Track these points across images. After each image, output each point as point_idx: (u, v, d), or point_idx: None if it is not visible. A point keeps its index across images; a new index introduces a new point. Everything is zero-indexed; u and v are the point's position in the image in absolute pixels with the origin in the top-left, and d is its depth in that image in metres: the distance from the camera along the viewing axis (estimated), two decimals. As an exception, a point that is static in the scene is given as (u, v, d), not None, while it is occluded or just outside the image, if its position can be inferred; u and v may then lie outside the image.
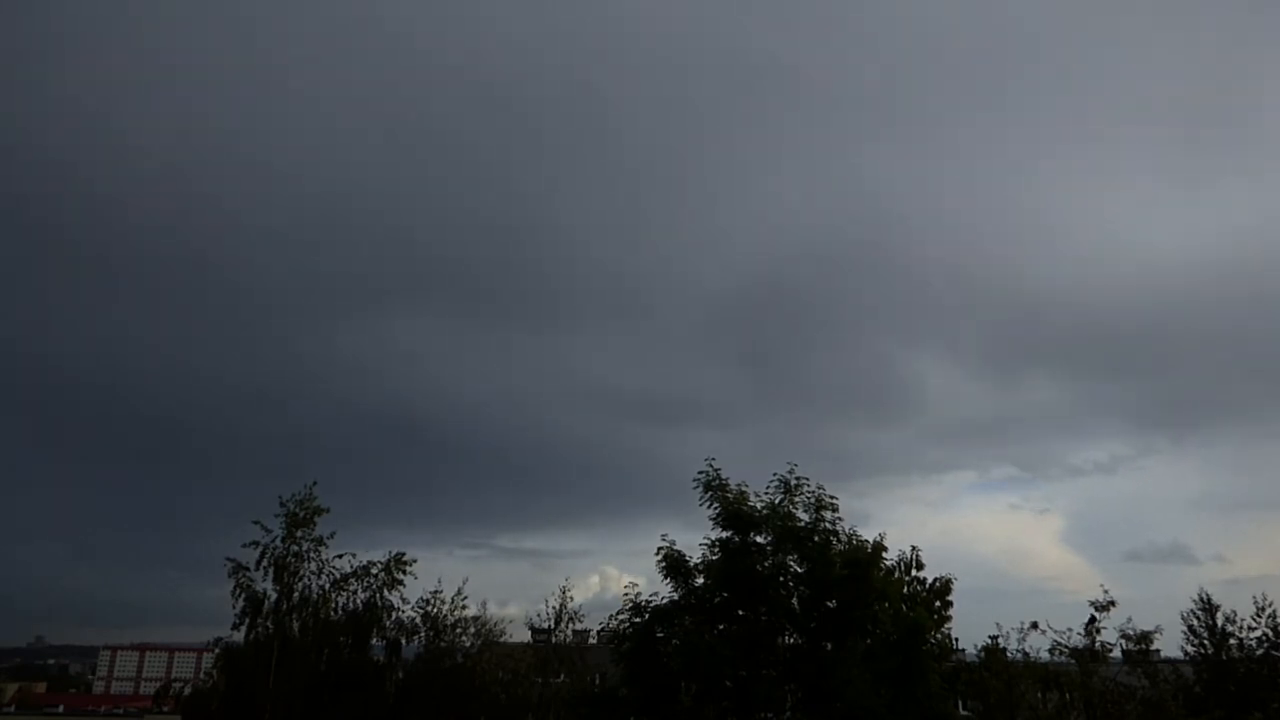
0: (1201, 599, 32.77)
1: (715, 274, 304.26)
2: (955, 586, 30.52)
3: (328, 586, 30.47)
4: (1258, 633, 31.02)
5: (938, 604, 29.86)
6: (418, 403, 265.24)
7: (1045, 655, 28.39)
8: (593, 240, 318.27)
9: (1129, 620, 28.57)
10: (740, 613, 23.67)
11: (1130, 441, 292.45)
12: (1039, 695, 27.86)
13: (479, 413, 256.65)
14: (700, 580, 24.12)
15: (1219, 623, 32.06)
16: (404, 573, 31.29)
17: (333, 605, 30.60)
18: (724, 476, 24.69)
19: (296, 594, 30.01)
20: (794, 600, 23.57)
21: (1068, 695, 27.50)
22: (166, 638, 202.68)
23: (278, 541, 29.95)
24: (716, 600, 23.77)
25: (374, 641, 31.54)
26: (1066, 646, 27.88)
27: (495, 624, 34.18)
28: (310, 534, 30.41)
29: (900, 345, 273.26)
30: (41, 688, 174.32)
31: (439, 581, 33.03)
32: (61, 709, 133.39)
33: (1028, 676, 27.52)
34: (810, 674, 22.38)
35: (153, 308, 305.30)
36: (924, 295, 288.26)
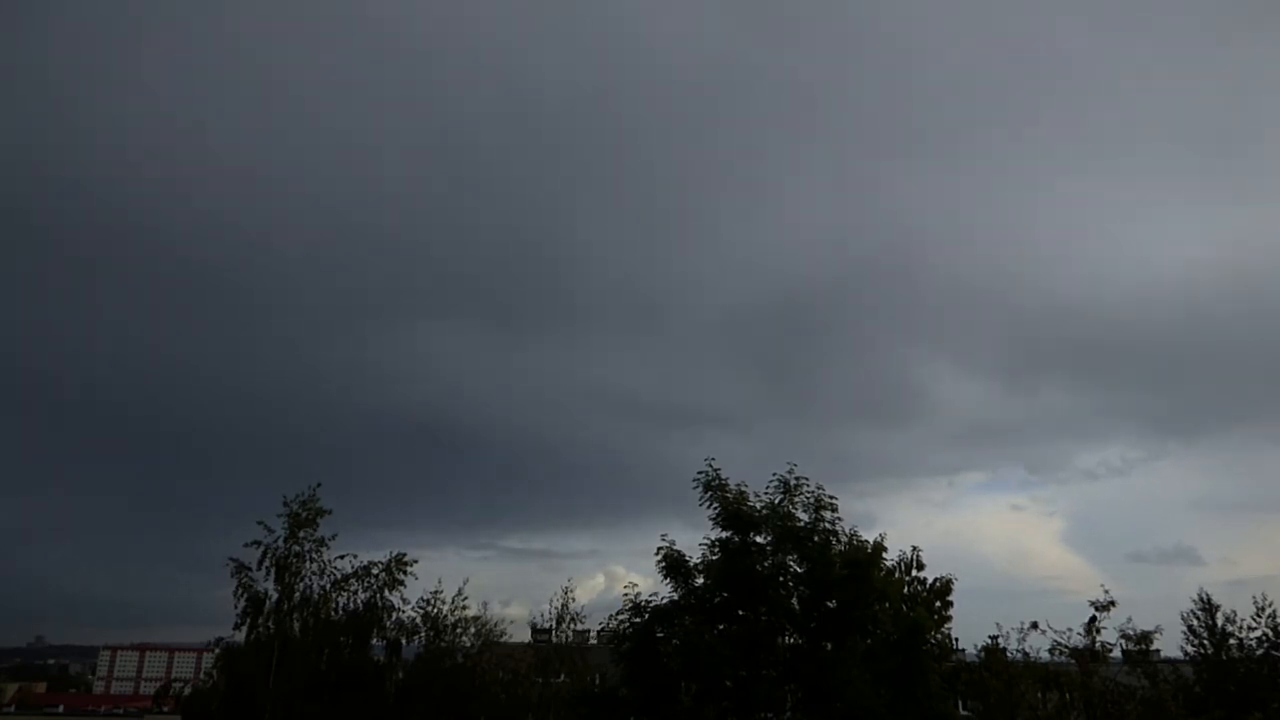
0: (1201, 599, 32.83)
1: (732, 288, 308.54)
2: (959, 587, 30.62)
3: (328, 586, 30.54)
4: (1258, 633, 31.10)
5: (938, 604, 29.90)
6: (436, 407, 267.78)
7: (1045, 655, 28.45)
8: (610, 255, 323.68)
9: (1129, 620, 28.69)
10: (740, 613, 23.64)
11: (1140, 445, 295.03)
12: (1039, 695, 27.89)
13: (494, 418, 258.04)
14: (700, 580, 24.12)
15: (1219, 623, 32.10)
16: (405, 573, 31.36)
17: (333, 605, 30.66)
18: (724, 476, 24.70)
19: (297, 594, 30.07)
20: (794, 600, 23.54)
21: (1068, 695, 27.53)
22: (166, 638, 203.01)
23: (280, 541, 30.04)
24: (716, 600, 23.75)
25: (374, 641, 31.59)
26: (1066, 646, 27.93)
27: (495, 624, 34.29)
28: (312, 534, 30.49)
29: (915, 354, 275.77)
30: (41, 688, 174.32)
31: (439, 581, 33.18)
32: (61, 709, 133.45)
33: (1028, 676, 27.55)
34: (810, 674, 22.36)
35: (161, 313, 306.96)
36: (939, 307, 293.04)
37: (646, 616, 24.03)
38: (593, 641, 35.37)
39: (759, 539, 23.88)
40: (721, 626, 23.74)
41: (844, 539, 23.95)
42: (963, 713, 28.37)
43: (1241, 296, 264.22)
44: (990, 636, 29.57)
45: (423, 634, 32.44)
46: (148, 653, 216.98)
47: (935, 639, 26.14)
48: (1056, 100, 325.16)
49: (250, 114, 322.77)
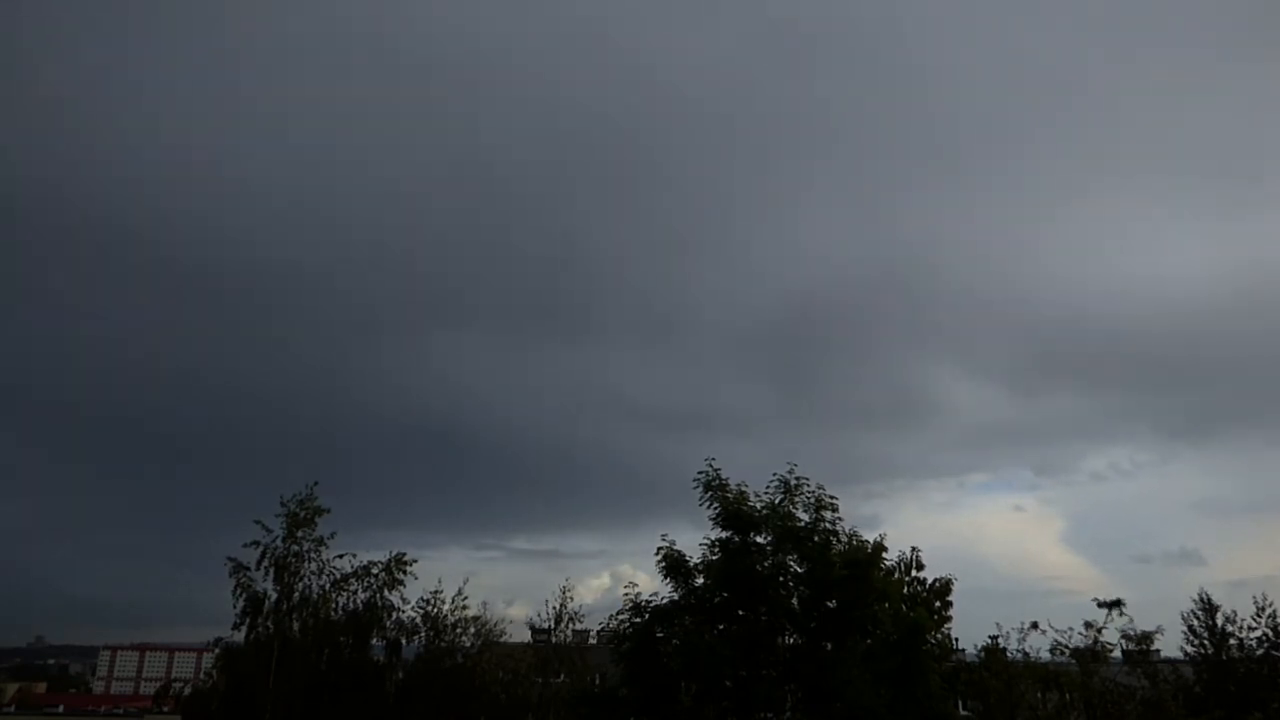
0: (1201, 599, 32.82)
1: (747, 301, 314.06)
2: (961, 587, 30.56)
3: (328, 586, 30.52)
4: (1258, 633, 31.08)
5: (938, 604, 29.88)
6: (451, 414, 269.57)
7: (1045, 655, 28.44)
8: (627, 270, 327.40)
9: (1130, 621, 28.68)
10: (740, 613, 23.62)
11: (1151, 448, 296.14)
12: (1039, 695, 27.89)
13: (505, 421, 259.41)
14: (700, 580, 24.11)
15: (1219, 623, 32.09)
16: (404, 573, 31.33)
17: (333, 605, 30.64)
18: (724, 477, 24.69)
19: (297, 594, 30.05)
20: (794, 600, 23.51)
21: (1068, 695, 27.53)
22: (166, 638, 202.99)
23: (278, 541, 30.01)
24: (716, 600, 23.72)
25: (374, 641, 31.58)
26: (1067, 646, 27.93)
27: (495, 624, 34.28)
28: (311, 534, 30.46)
29: (927, 362, 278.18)
30: (41, 688, 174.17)
31: (439, 581, 33.17)
32: (61, 709, 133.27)
33: (1028, 676, 27.55)
34: (810, 674, 22.34)
35: (163, 317, 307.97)
36: (953, 318, 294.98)
37: (646, 616, 24.01)
38: (593, 641, 35.35)
39: (759, 539, 23.86)
40: (721, 626, 23.71)
41: (844, 539, 23.96)
42: (963, 713, 28.36)
43: (1247, 309, 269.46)
44: (990, 636, 29.61)
45: (423, 634, 32.44)
46: (148, 653, 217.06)
47: (935, 639, 26.13)
48: (1069, 118, 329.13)
49: (271, 137, 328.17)
